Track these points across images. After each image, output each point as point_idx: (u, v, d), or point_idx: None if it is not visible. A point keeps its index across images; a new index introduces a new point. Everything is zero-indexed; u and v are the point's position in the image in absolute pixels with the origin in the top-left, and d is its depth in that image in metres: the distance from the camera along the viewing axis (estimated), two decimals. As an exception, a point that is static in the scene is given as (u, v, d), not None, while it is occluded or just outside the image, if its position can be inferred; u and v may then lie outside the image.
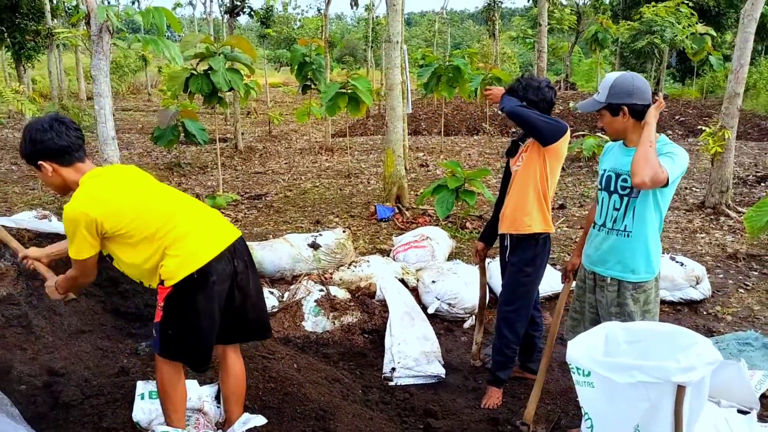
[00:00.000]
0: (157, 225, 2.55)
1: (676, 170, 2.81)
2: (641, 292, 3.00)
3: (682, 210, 8.41)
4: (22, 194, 10.00)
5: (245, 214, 8.74)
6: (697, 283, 5.27)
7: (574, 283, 3.45)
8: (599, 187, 3.12)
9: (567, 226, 7.77)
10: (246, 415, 2.91)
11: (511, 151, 3.77)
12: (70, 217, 2.47)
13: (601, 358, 2.42)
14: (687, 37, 17.11)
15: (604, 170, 3.09)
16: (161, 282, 2.55)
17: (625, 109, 2.89)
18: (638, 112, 2.89)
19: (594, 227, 3.16)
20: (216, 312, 2.63)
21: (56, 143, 2.51)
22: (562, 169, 11.43)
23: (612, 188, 3.02)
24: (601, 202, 3.11)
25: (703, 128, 8.49)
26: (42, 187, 10.03)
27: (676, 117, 17.82)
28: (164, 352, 2.64)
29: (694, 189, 9.67)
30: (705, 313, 5.19)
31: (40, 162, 2.54)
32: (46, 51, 16.74)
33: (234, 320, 2.78)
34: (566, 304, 3.56)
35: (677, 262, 5.38)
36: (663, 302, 5.29)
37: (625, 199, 2.96)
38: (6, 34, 14.28)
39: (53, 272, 2.93)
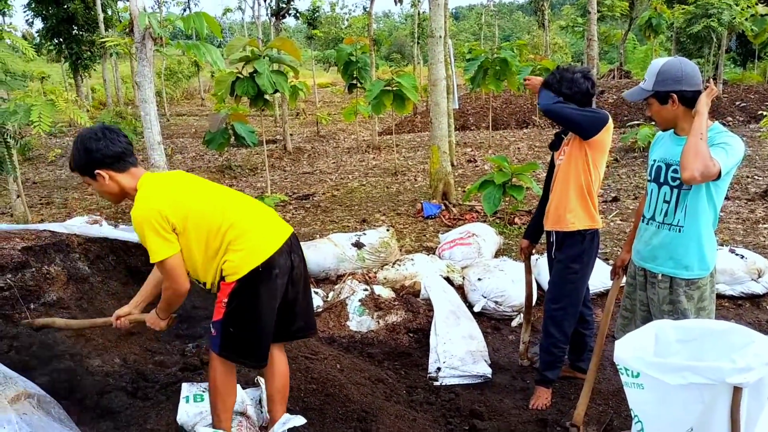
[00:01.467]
0: (219, 220, 2.57)
1: (730, 162, 2.63)
2: (695, 289, 2.85)
3: (743, 199, 8.04)
4: (81, 200, 10.36)
5: (293, 214, 8.81)
6: (759, 277, 5.01)
7: (624, 280, 3.31)
8: (648, 178, 2.98)
9: (621, 220, 7.52)
10: (286, 415, 2.91)
11: (555, 144, 3.66)
12: (140, 217, 2.47)
13: (651, 359, 2.30)
14: (746, 19, 16.35)
15: (654, 160, 2.95)
16: (223, 278, 2.57)
17: (674, 96, 2.74)
18: (688, 99, 2.73)
19: (643, 221, 3.01)
20: (274, 308, 2.66)
21: (111, 150, 2.54)
22: (616, 160, 11.14)
23: (662, 179, 2.87)
24: (650, 194, 2.97)
25: (765, 114, 8.09)
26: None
27: (737, 103, 17.10)
28: (223, 351, 2.66)
29: (756, 177, 9.23)
30: (768, 307, 4.93)
31: (96, 171, 2.56)
32: (101, 60, 17.30)
33: (284, 315, 2.79)
34: (617, 301, 3.42)
35: (737, 254, 5.12)
36: (723, 297, 5.06)
37: (676, 191, 2.82)
38: (64, 45, 14.81)
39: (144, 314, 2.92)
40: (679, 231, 2.82)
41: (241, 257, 2.54)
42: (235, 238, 2.56)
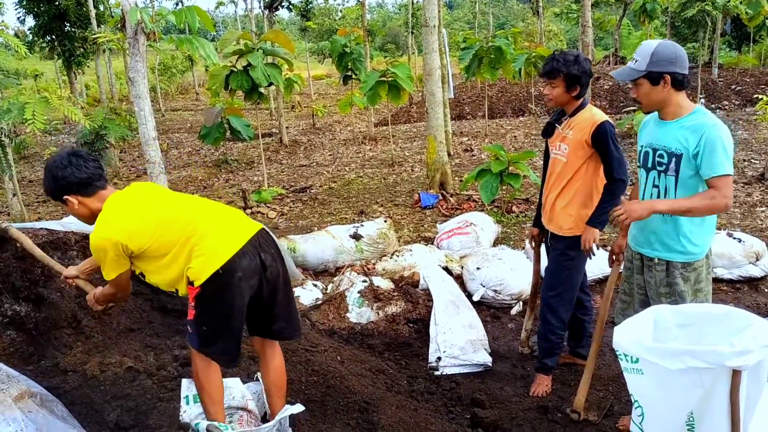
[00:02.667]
0: (179, 235, 2.59)
1: (731, 157, 2.68)
2: (691, 271, 2.86)
3: (740, 183, 8.04)
4: (77, 197, 10.31)
5: (290, 207, 8.80)
6: (757, 260, 5.03)
7: (622, 265, 3.31)
8: (638, 164, 2.99)
9: (618, 206, 7.52)
10: (286, 406, 2.90)
11: (548, 132, 3.64)
12: (96, 245, 2.56)
13: (650, 344, 2.30)
14: (741, 2, 16.29)
15: (642, 146, 2.97)
16: (190, 283, 2.57)
17: (668, 77, 2.72)
18: (678, 82, 2.74)
19: None
20: (241, 311, 2.64)
21: (77, 176, 2.60)
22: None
23: (649, 165, 2.89)
24: (640, 180, 2.98)
25: (761, 97, 8.08)
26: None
27: (733, 86, 17.09)
28: (203, 347, 2.66)
29: (753, 161, 9.23)
30: (767, 290, 4.94)
31: (65, 197, 2.65)
32: (94, 57, 17.23)
33: (263, 313, 2.78)
34: (616, 287, 3.42)
35: (735, 238, 5.14)
36: (721, 280, 5.07)
37: (663, 175, 2.83)
38: (56, 42, 14.74)
39: (92, 285, 3.04)
40: (671, 216, 2.81)
41: (201, 262, 2.54)
42: (196, 244, 2.57)
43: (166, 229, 2.60)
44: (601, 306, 3.33)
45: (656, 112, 2.90)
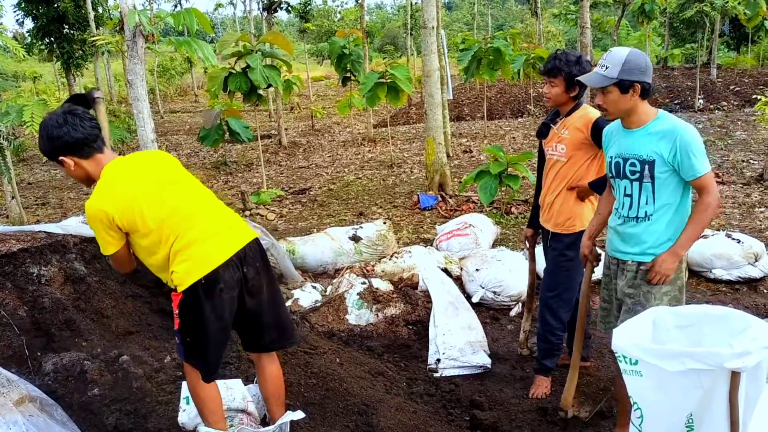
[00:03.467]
0: (174, 228, 2.52)
1: (704, 155, 2.69)
2: None
3: (739, 184, 8.05)
4: (76, 199, 10.33)
5: (290, 209, 8.80)
6: (756, 261, 5.03)
7: (601, 266, 3.24)
8: (610, 174, 2.94)
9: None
10: (288, 412, 2.90)
11: (542, 133, 3.64)
12: (89, 214, 2.48)
13: (649, 346, 2.30)
14: (739, 3, 16.31)
15: (611, 157, 2.91)
16: (174, 288, 2.55)
17: (638, 87, 2.70)
18: (645, 91, 2.73)
19: (614, 212, 2.98)
20: (226, 320, 2.61)
21: (72, 136, 2.49)
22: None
23: (621, 174, 2.85)
24: (615, 189, 2.94)
25: (760, 97, 8.09)
26: (94, 192, 10.31)
27: (731, 87, 17.11)
28: (189, 358, 2.65)
29: (751, 161, 9.24)
30: (766, 291, 4.94)
31: (61, 157, 2.54)
32: (93, 59, 17.23)
33: (251, 327, 2.76)
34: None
35: (734, 239, 5.13)
36: (720, 281, 5.08)
37: (636, 184, 2.80)
38: (55, 44, 14.73)
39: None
40: (648, 219, 2.80)
41: (184, 269, 2.49)
42: (184, 247, 2.51)
43: (164, 216, 2.51)
44: (581, 306, 3.27)
45: (618, 122, 2.89)
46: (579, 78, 2.99)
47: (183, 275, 2.49)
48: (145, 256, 2.62)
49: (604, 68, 2.75)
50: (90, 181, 2.62)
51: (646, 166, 2.74)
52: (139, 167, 2.63)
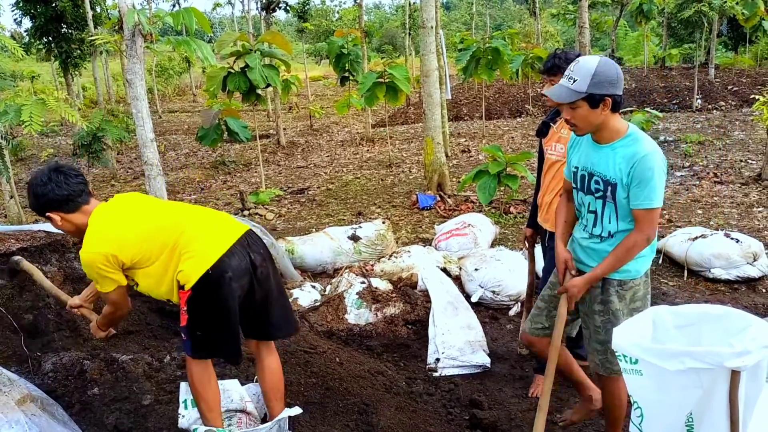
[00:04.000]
0: (168, 240, 2.58)
1: (661, 189, 2.51)
2: (627, 289, 2.71)
3: (737, 184, 8.07)
4: (74, 199, 10.30)
5: (288, 209, 8.80)
6: (755, 260, 5.04)
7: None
8: (574, 186, 2.80)
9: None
10: (286, 409, 2.90)
11: (542, 132, 3.64)
12: (87, 261, 2.53)
13: (649, 345, 2.30)
14: (737, 3, 16.35)
15: (576, 167, 2.75)
16: (181, 287, 2.56)
17: (608, 100, 2.48)
18: (617, 104, 2.52)
19: (579, 224, 2.86)
20: (233, 312, 2.63)
21: (57, 194, 2.56)
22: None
23: (586, 189, 2.70)
24: (579, 202, 2.80)
25: (758, 97, 8.10)
26: (92, 191, 10.30)
27: (729, 87, 17.14)
28: (196, 353, 2.65)
29: (749, 161, 9.26)
30: (764, 291, 4.95)
31: (48, 213, 2.61)
32: (91, 59, 17.23)
33: (258, 316, 2.77)
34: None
35: (732, 238, 5.14)
36: (719, 281, 5.09)
37: (600, 201, 2.65)
38: (53, 44, 14.72)
39: (95, 313, 3.06)
40: (612, 236, 2.66)
41: (190, 265, 2.52)
42: (185, 248, 2.55)
43: (155, 235, 2.58)
44: (555, 329, 2.85)
45: None
46: (544, 92, 2.86)
47: (189, 272, 2.51)
48: (152, 281, 2.64)
49: (572, 81, 2.51)
50: (79, 233, 2.68)
51: (609, 187, 2.59)
52: (122, 205, 2.71)
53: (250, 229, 2.75)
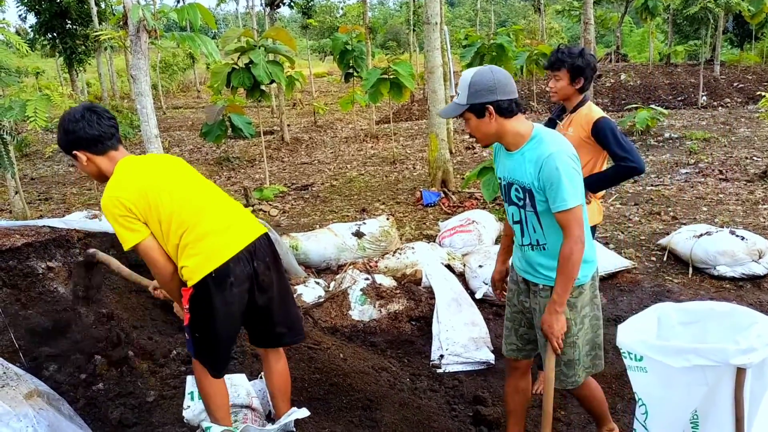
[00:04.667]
0: (183, 217, 2.52)
1: (578, 186, 2.45)
2: (576, 296, 2.63)
3: (742, 181, 8.03)
4: (79, 195, 10.34)
5: (292, 205, 8.80)
6: (760, 258, 5.01)
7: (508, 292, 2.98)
8: (502, 197, 2.74)
9: (620, 204, 7.52)
10: (293, 409, 2.90)
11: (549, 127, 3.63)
12: (105, 206, 2.47)
13: (654, 342, 2.30)
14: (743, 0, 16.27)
15: (500, 178, 2.71)
16: (184, 283, 2.55)
17: (490, 108, 2.46)
18: (504, 109, 2.48)
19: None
20: (236, 315, 2.61)
21: (87, 132, 2.51)
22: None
23: (509, 199, 2.66)
24: (507, 213, 2.76)
25: (764, 94, 8.06)
26: (97, 187, 10.34)
27: (735, 84, 17.07)
28: (197, 355, 2.65)
29: (755, 158, 9.22)
30: (770, 288, 4.93)
31: (74, 152, 2.55)
32: (95, 54, 17.26)
33: (261, 323, 2.76)
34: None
35: (737, 236, 5.12)
36: (724, 278, 5.07)
37: (522, 211, 2.61)
38: (58, 40, 14.75)
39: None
40: (544, 248, 2.60)
41: (195, 263, 2.50)
42: (191, 243, 2.51)
43: (173, 209, 2.51)
44: (545, 392, 2.69)
45: None
46: (439, 113, 2.84)
47: (193, 269, 2.49)
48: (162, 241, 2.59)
49: (457, 95, 2.54)
50: (102, 177, 2.62)
51: (527, 194, 2.54)
52: (151, 164, 2.65)
53: (262, 235, 2.69)
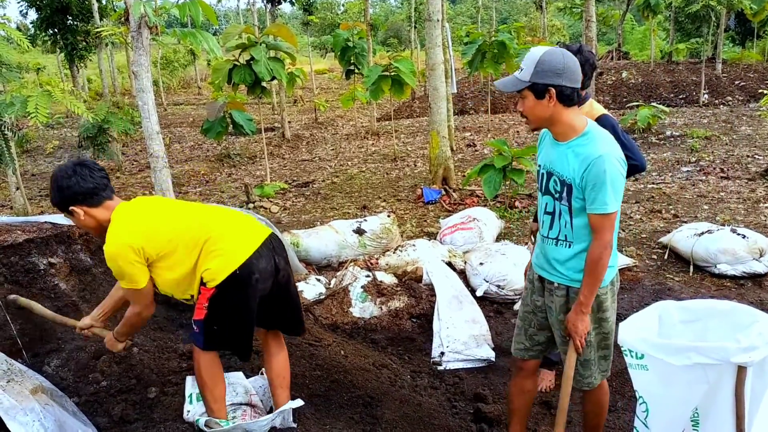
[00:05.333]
0: (196, 237, 2.58)
1: (619, 195, 2.41)
2: (594, 298, 2.56)
3: (743, 179, 8.03)
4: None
5: (293, 202, 8.80)
6: (761, 256, 5.02)
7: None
8: (537, 184, 2.69)
9: (622, 202, 7.52)
10: (289, 402, 2.91)
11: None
12: (113, 253, 2.49)
13: (655, 340, 2.30)
14: (746, -3, 16.25)
15: (539, 166, 2.65)
16: (203, 284, 2.56)
17: (552, 91, 2.37)
18: (566, 97, 2.39)
19: (540, 227, 2.75)
20: (253, 312, 2.66)
21: (82, 186, 2.55)
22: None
23: (544, 189, 2.60)
24: (539, 201, 2.71)
25: (765, 92, 8.05)
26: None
27: (736, 82, 17.04)
28: (208, 345, 2.67)
29: (756, 157, 9.21)
30: (771, 287, 4.93)
31: (71, 207, 2.58)
32: (96, 50, 17.25)
33: (272, 312, 2.82)
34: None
35: (739, 234, 5.12)
36: (725, 276, 5.07)
37: (557, 204, 2.54)
38: (59, 36, 14.73)
39: (107, 329, 3.00)
40: (569, 246, 2.55)
41: (219, 263, 2.54)
42: (214, 246, 2.57)
43: (183, 232, 2.59)
44: (562, 390, 2.67)
45: None
46: (495, 83, 2.73)
47: (216, 270, 2.53)
48: (173, 276, 2.62)
49: (520, 70, 2.43)
50: (99, 230, 2.65)
51: (566, 188, 2.48)
52: (146, 203, 2.72)
53: (273, 233, 2.78)
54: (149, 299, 2.68)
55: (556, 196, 2.53)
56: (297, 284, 4.91)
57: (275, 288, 2.73)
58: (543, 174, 2.60)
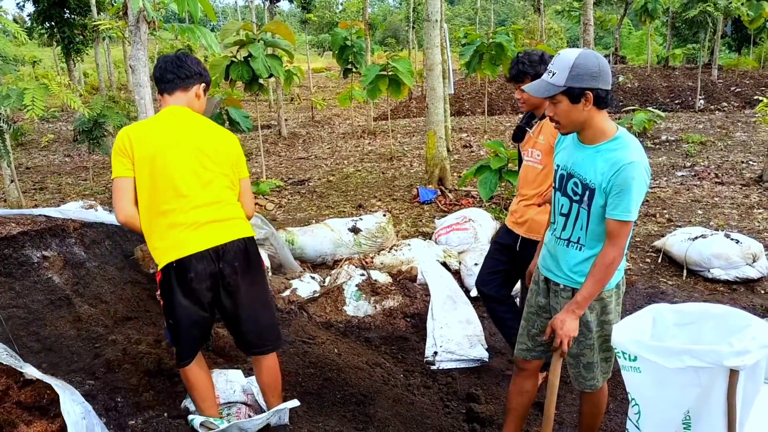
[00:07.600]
0: (162, 197, 2.55)
1: (639, 202, 2.36)
2: (598, 300, 2.56)
3: (738, 185, 8.06)
4: (74, 185, 10.30)
5: (288, 199, 8.79)
6: (754, 261, 5.04)
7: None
8: (553, 184, 2.66)
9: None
10: (286, 402, 2.90)
11: (518, 137, 3.49)
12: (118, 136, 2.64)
13: (649, 342, 2.30)
14: (742, 4, 16.31)
15: (557, 166, 2.60)
16: (156, 266, 2.62)
17: (590, 95, 2.31)
18: (601, 100, 2.35)
19: (550, 228, 2.72)
20: (196, 310, 2.61)
21: (154, 73, 2.77)
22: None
23: (563, 190, 2.56)
24: (554, 201, 2.65)
25: (761, 99, 8.09)
26: (93, 177, 10.31)
27: (732, 88, 17.10)
28: (171, 341, 2.70)
29: (751, 162, 9.25)
30: (763, 292, 4.95)
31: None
32: (93, 45, 17.19)
33: (231, 327, 2.80)
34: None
35: (732, 239, 5.14)
36: (717, 281, 5.09)
37: (575, 206, 2.50)
38: (56, 29, 14.69)
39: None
40: (580, 249, 2.53)
41: (162, 248, 2.55)
42: (162, 226, 2.55)
43: (160, 176, 2.55)
44: (547, 398, 2.64)
45: None
46: (524, 88, 2.69)
47: (160, 254, 2.57)
48: (142, 214, 2.63)
49: (551, 75, 2.36)
50: None
51: (587, 192, 2.44)
52: (183, 123, 2.68)
53: (239, 240, 2.64)
54: (119, 196, 2.58)
55: (575, 198, 2.50)
56: (291, 282, 4.91)
57: (223, 296, 2.64)
58: (563, 175, 2.56)
